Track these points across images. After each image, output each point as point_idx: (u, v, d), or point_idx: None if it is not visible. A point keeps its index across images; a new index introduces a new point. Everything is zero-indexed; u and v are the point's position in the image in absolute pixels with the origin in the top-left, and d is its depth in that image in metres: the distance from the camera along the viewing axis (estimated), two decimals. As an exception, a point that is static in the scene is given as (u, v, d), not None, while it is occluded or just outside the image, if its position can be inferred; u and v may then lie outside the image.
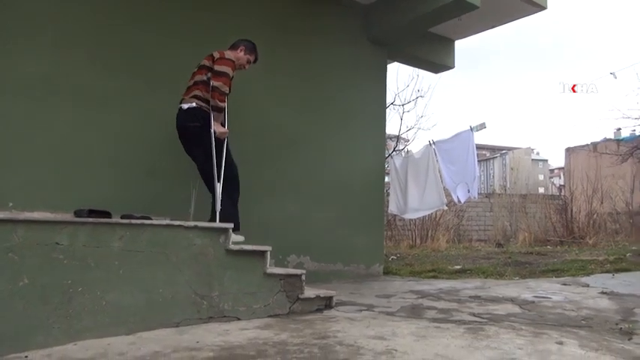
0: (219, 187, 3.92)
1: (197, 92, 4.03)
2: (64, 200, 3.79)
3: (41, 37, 4.07)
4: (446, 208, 8.33)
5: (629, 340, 2.81)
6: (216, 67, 4.00)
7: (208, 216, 3.92)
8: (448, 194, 6.84)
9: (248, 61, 4.35)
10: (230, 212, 3.93)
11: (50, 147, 4.03)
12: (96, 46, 4.32)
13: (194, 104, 3.99)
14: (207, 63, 4.08)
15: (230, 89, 4.14)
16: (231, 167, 4.12)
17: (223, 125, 4.13)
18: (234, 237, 3.62)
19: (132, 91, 4.45)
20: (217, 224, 3.50)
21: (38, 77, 4.03)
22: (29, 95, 3.98)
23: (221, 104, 3.99)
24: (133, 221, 3.09)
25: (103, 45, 4.36)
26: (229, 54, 4.13)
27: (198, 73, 4.11)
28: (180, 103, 4.08)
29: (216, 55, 4.08)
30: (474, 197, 6.57)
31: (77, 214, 3.12)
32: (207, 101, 4.01)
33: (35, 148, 3.97)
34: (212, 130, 3.97)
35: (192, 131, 4.00)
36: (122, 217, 3.17)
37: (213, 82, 3.96)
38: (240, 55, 4.28)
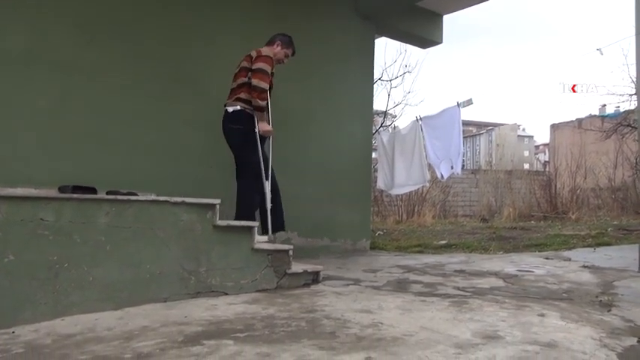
0: (267, 185, 4.02)
1: (240, 95, 4.08)
2: (47, 176, 3.74)
3: (23, 9, 3.95)
4: (428, 185, 8.38)
5: (608, 311, 2.88)
6: (255, 66, 4.03)
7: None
8: (433, 170, 6.88)
9: (286, 55, 4.37)
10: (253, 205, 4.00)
11: (33, 121, 3.96)
12: (80, 17, 4.22)
13: (238, 107, 4.05)
14: (246, 64, 4.11)
15: (272, 85, 4.15)
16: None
17: (268, 123, 4.16)
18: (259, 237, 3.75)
19: (117, 64, 4.38)
20: (204, 200, 3.48)
21: (21, 50, 3.92)
22: (11, 68, 3.88)
23: (262, 103, 4.01)
24: (119, 197, 3.07)
25: (87, 17, 4.26)
26: (266, 50, 4.14)
27: (240, 76, 4.13)
28: (225, 106, 4.12)
29: (254, 54, 4.09)
30: (457, 173, 6.61)
31: (61, 190, 3.09)
32: (250, 103, 4.04)
33: (18, 123, 3.90)
34: (257, 130, 4.01)
35: (236, 134, 4.07)
36: (108, 193, 3.14)
37: (252, 81, 3.99)
38: (277, 50, 4.29)
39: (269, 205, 3.98)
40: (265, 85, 4.01)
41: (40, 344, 2.30)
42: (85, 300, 2.84)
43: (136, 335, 2.40)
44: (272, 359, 2.03)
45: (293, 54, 4.45)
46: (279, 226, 4.19)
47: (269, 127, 4.13)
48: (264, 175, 4.01)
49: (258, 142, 4.04)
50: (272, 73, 4.16)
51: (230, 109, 4.09)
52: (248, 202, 4.01)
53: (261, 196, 4.05)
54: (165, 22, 4.68)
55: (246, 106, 4.05)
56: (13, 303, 2.63)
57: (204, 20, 4.94)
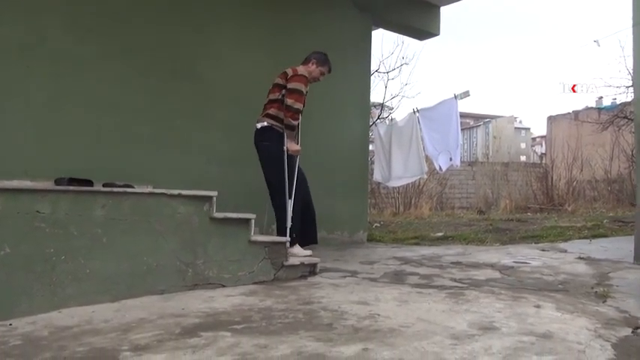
0: (290, 204, 4.00)
1: (270, 111, 4.09)
2: (43, 168, 3.72)
3: (15, 2, 3.91)
4: (426, 177, 8.36)
5: (603, 302, 2.90)
6: (290, 85, 4.02)
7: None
8: (431, 162, 6.87)
9: (321, 73, 4.33)
10: (295, 226, 4.01)
11: (29, 114, 3.93)
12: (72, 10, 4.18)
13: (265, 123, 4.07)
14: (280, 81, 4.10)
15: (304, 104, 4.14)
16: (303, 184, 4.20)
17: (297, 142, 4.15)
18: (298, 250, 3.90)
19: (114, 57, 4.34)
20: (201, 192, 3.47)
21: (16, 42, 3.88)
22: (6, 60, 3.84)
23: (294, 122, 4.01)
24: (115, 189, 3.06)
25: (84, 9, 4.22)
26: (302, 70, 4.13)
27: (272, 92, 4.14)
28: (256, 122, 4.14)
29: (290, 72, 4.08)
30: (457, 165, 6.60)
31: (57, 182, 3.08)
32: (280, 120, 4.04)
33: (13, 115, 3.87)
34: (284, 148, 4.01)
35: (263, 150, 4.09)
36: (104, 186, 3.13)
37: (286, 101, 3.99)
38: (312, 68, 4.27)
39: (289, 224, 3.96)
40: (300, 106, 4.01)
41: (37, 336, 2.30)
42: (81, 292, 2.84)
43: (133, 327, 2.41)
44: (269, 351, 2.03)
45: (329, 71, 4.40)
46: (310, 239, 4.24)
47: (297, 147, 4.13)
48: (287, 193, 3.99)
49: (285, 160, 4.01)
50: (306, 93, 4.15)
51: (258, 125, 4.11)
52: (285, 216, 4.02)
53: (282, 213, 4.04)
54: (163, 15, 4.65)
55: (274, 123, 4.06)
56: (10, 295, 2.63)
57: (202, 11, 4.91)
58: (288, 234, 3.90)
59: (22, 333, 2.35)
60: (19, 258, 2.66)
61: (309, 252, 3.98)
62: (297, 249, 3.97)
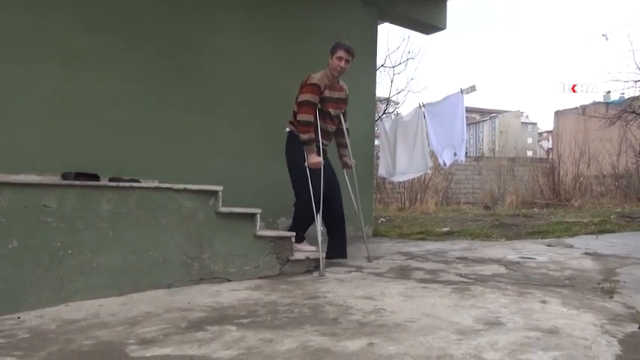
0: (319, 218, 4.01)
1: (291, 119, 4.22)
2: (50, 163, 3.74)
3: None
4: (430, 172, 8.31)
5: (609, 298, 2.89)
6: (298, 99, 4.10)
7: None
8: (435, 158, 6.84)
9: (339, 59, 4.18)
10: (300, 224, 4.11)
11: (34, 109, 3.94)
12: (77, 4, 4.17)
13: (288, 129, 4.24)
14: (299, 91, 4.19)
15: (327, 110, 4.18)
16: (332, 195, 4.19)
17: (318, 154, 4.13)
18: (303, 246, 3.98)
19: (118, 51, 4.33)
20: (206, 187, 3.47)
21: (20, 37, 3.88)
22: (11, 55, 3.85)
23: (305, 136, 4.02)
24: (121, 184, 3.08)
25: (88, 3, 4.21)
26: (314, 77, 4.12)
27: (295, 103, 4.23)
28: None
29: (303, 82, 4.15)
30: (462, 160, 6.55)
31: (64, 177, 3.10)
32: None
33: (18, 110, 3.87)
34: (306, 165, 4.03)
35: (286, 153, 4.23)
36: (110, 180, 3.15)
37: (297, 117, 4.07)
38: (329, 62, 4.24)
39: (319, 238, 3.96)
40: (308, 117, 4.01)
41: (44, 329, 2.32)
42: (88, 286, 2.86)
43: (140, 321, 2.42)
44: (275, 345, 2.04)
45: (348, 52, 4.21)
46: (336, 254, 4.25)
47: (316, 159, 4.05)
48: (314, 205, 3.96)
49: (304, 168, 4.00)
50: (328, 97, 4.15)
51: (285, 131, 4.25)
52: (297, 216, 4.14)
53: (296, 212, 4.16)
54: (166, 9, 4.64)
55: (294, 129, 4.16)
56: (18, 289, 2.65)
57: (205, 6, 4.90)
58: (319, 248, 3.94)
59: (30, 326, 2.37)
60: (26, 252, 2.68)
61: (314, 247, 3.99)
62: (302, 244, 3.98)
